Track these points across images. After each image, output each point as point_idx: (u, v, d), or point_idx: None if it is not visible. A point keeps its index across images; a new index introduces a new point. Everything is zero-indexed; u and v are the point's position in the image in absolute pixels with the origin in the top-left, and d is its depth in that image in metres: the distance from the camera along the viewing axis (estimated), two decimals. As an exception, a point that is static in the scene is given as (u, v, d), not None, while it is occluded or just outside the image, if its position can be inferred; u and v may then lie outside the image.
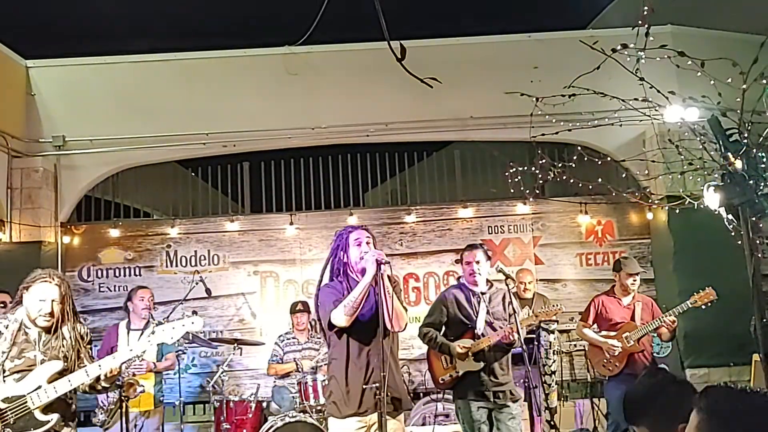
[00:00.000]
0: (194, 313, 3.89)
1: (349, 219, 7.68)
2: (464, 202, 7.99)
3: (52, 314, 3.60)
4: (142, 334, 5.44)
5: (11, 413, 3.44)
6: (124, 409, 4.75)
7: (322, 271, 3.81)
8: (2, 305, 5.96)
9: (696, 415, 1.50)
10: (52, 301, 3.60)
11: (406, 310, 3.73)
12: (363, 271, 3.54)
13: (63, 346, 3.64)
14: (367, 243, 3.70)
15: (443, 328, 4.82)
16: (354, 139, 8.01)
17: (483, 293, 4.73)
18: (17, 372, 3.52)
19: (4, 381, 3.50)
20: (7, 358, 3.52)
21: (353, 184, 8.19)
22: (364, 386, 3.51)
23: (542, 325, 6.13)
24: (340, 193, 8.17)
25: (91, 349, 3.85)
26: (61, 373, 3.55)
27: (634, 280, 5.65)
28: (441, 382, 4.83)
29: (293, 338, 6.61)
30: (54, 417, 3.51)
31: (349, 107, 7.95)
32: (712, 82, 4.88)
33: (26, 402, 3.46)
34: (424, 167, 8.69)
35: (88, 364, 3.62)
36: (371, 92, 7.90)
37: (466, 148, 8.55)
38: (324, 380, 5.71)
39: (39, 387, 3.48)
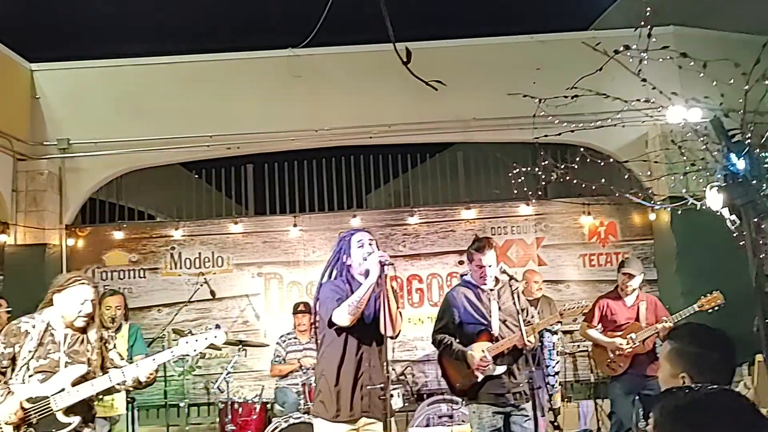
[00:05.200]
0: (217, 326, 3.89)
1: (352, 221, 7.70)
2: (467, 204, 8.00)
3: (90, 315, 3.68)
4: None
5: (34, 413, 3.49)
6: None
7: (323, 272, 3.81)
8: None
9: (652, 417, 1.68)
10: (92, 302, 3.67)
11: (401, 315, 3.71)
12: (366, 273, 3.54)
13: (87, 350, 3.69)
14: (370, 245, 3.71)
15: (456, 332, 4.52)
16: (357, 140, 8.03)
17: (492, 290, 4.51)
18: (41, 372, 3.57)
19: (29, 380, 3.56)
20: (32, 357, 3.58)
21: (356, 185, 8.21)
22: (369, 387, 3.52)
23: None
24: (344, 195, 8.19)
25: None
26: (85, 377, 3.60)
27: (628, 280, 5.60)
28: (459, 387, 4.54)
29: (294, 338, 6.63)
30: (76, 420, 3.55)
31: (352, 109, 7.97)
32: (714, 82, 4.88)
33: (49, 403, 3.50)
34: (427, 169, 8.71)
35: (113, 369, 3.68)
36: (374, 94, 7.92)
37: (469, 149, 8.57)
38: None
39: (62, 389, 3.53)
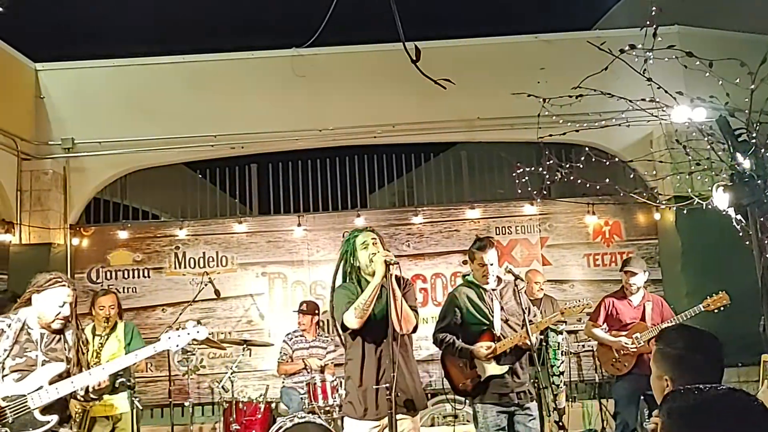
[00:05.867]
0: (198, 322, 3.90)
1: (356, 220, 7.69)
2: (471, 203, 7.99)
3: (67, 318, 3.66)
4: (107, 338, 5.42)
5: (11, 412, 3.44)
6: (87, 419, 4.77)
7: (334, 275, 3.83)
8: None
9: (659, 418, 1.65)
10: (70, 304, 3.65)
11: (416, 311, 3.71)
12: (374, 274, 3.55)
13: (65, 349, 3.67)
14: (374, 244, 3.71)
15: (459, 331, 4.50)
16: (361, 140, 8.03)
17: (494, 289, 4.51)
18: (17, 371, 3.53)
19: (3, 379, 3.51)
20: (8, 356, 3.54)
21: (360, 185, 8.20)
22: (375, 386, 3.53)
23: (550, 325, 6.11)
24: (348, 195, 8.19)
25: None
26: (61, 375, 3.57)
27: (630, 277, 5.60)
28: (461, 387, 4.51)
29: (301, 336, 6.63)
30: (54, 418, 3.51)
31: (356, 109, 7.97)
32: (720, 82, 4.88)
33: (26, 402, 3.46)
34: (431, 168, 8.70)
35: (86, 369, 3.65)
36: (378, 94, 7.92)
37: (473, 148, 8.56)
38: (333, 380, 5.73)
39: (40, 387, 3.49)
